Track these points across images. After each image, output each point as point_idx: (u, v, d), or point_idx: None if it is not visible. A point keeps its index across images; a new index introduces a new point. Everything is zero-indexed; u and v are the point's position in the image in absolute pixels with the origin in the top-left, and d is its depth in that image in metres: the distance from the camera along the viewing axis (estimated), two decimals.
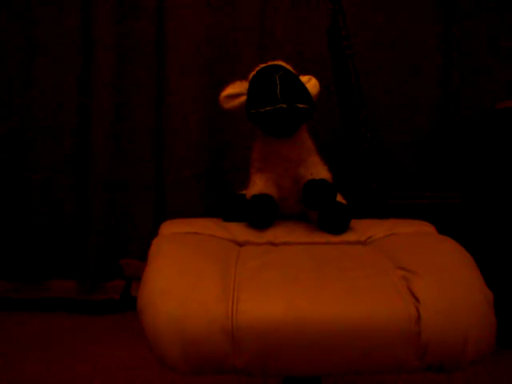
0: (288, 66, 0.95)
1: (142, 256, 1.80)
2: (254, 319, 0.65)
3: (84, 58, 1.82)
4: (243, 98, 0.95)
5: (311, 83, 0.96)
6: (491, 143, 1.64)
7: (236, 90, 0.96)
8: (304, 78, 0.96)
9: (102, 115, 1.81)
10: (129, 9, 1.84)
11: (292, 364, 0.66)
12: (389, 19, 1.83)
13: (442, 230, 0.93)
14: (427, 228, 0.95)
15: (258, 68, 0.96)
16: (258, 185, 0.96)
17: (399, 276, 0.73)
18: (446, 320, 0.66)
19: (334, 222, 0.91)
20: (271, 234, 0.91)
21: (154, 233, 0.92)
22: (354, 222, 0.94)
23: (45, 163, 1.84)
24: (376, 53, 1.83)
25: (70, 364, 1.39)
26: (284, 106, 0.88)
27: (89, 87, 1.82)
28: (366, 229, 0.93)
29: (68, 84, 1.83)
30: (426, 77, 1.83)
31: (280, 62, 0.96)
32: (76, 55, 1.82)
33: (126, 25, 1.84)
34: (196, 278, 0.70)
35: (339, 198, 0.96)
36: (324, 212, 0.91)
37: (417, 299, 0.68)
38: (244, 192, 1.02)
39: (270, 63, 0.95)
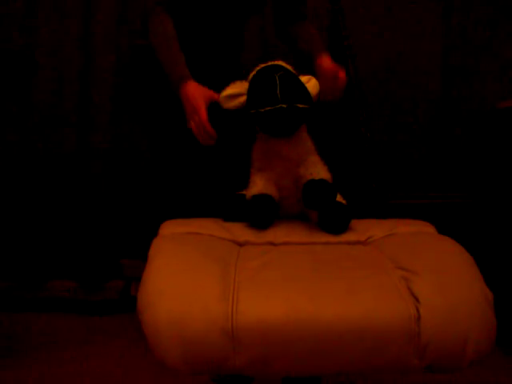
0: (288, 66, 0.95)
1: (142, 256, 1.80)
2: (254, 319, 0.65)
3: None
4: (243, 98, 0.95)
5: (311, 83, 0.95)
6: (491, 143, 1.64)
7: (236, 90, 0.96)
8: (304, 78, 0.95)
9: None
10: None
11: (292, 364, 0.66)
12: (389, 19, 1.83)
13: (441, 230, 0.93)
14: (427, 228, 0.95)
15: (257, 68, 0.96)
16: (258, 185, 0.96)
17: (399, 276, 0.73)
18: (446, 320, 0.66)
19: (334, 222, 0.91)
20: (271, 234, 0.91)
21: (154, 233, 0.92)
22: (354, 222, 0.94)
23: (45, 162, 1.84)
24: (376, 53, 1.83)
25: (69, 364, 1.39)
26: (284, 106, 0.88)
27: None
28: (366, 229, 0.93)
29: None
30: (426, 77, 1.83)
31: (280, 62, 0.95)
32: None
33: None
34: (196, 278, 0.70)
35: (339, 198, 0.96)
36: (324, 212, 0.91)
37: (417, 299, 0.68)
38: (244, 192, 1.02)
39: (269, 63, 0.95)
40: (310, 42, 1.17)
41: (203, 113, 0.97)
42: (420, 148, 1.84)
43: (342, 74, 1.04)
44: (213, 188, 1.19)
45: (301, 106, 0.90)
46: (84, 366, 1.38)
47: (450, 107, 1.83)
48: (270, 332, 0.64)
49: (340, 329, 0.65)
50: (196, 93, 1.00)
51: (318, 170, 0.94)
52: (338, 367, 0.67)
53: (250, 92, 0.93)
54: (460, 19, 1.82)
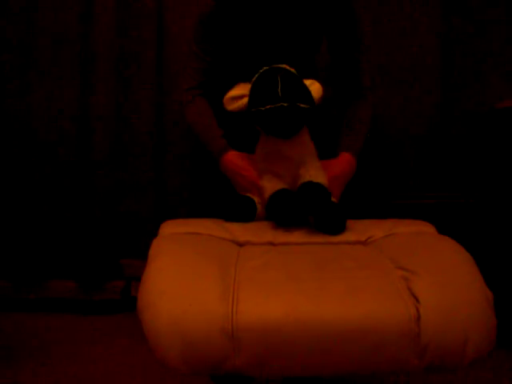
0: (291, 69, 0.95)
1: (142, 256, 1.80)
2: (254, 319, 0.65)
3: None
4: (246, 100, 0.95)
5: (314, 87, 0.95)
6: (491, 143, 1.64)
7: (239, 91, 0.96)
8: (307, 82, 0.95)
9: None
10: None
11: (292, 364, 0.66)
12: (388, 19, 1.83)
13: (442, 230, 0.93)
14: (427, 228, 0.95)
15: (261, 70, 0.96)
16: (274, 181, 0.95)
17: (399, 276, 0.73)
18: (446, 320, 0.67)
19: (330, 223, 0.90)
20: (271, 234, 0.91)
21: (154, 233, 0.92)
22: (354, 223, 0.94)
23: (47, 164, 1.84)
24: (376, 53, 1.83)
25: (69, 365, 1.39)
26: (285, 104, 0.87)
27: None
28: (365, 229, 0.93)
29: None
30: (426, 77, 1.83)
31: (284, 66, 0.95)
32: None
33: None
34: (196, 279, 0.70)
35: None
36: (319, 214, 0.91)
37: (417, 299, 0.68)
38: (248, 194, 1.02)
39: (273, 66, 0.95)
40: (349, 129, 1.17)
41: (252, 175, 1.05)
42: (420, 148, 1.84)
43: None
44: (216, 190, 1.19)
45: (302, 105, 0.89)
46: (84, 366, 1.38)
47: (449, 107, 1.83)
48: (270, 332, 0.64)
49: (340, 329, 0.65)
50: (238, 160, 1.09)
51: (317, 174, 0.94)
52: (338, 367, 0.67)
53: (251, 92, 0.93)
54: (460, 19, 1.82)
